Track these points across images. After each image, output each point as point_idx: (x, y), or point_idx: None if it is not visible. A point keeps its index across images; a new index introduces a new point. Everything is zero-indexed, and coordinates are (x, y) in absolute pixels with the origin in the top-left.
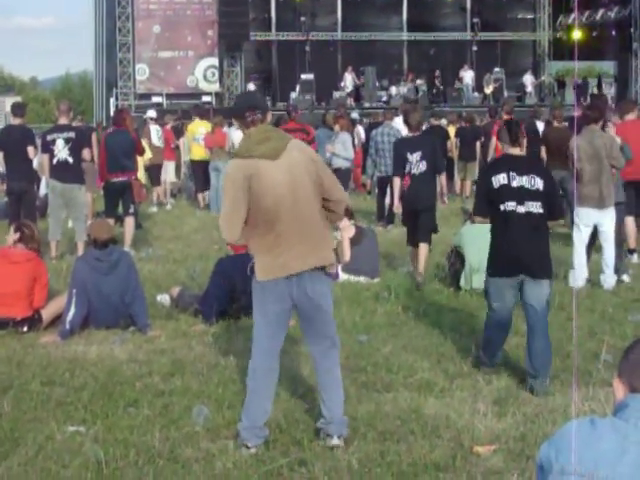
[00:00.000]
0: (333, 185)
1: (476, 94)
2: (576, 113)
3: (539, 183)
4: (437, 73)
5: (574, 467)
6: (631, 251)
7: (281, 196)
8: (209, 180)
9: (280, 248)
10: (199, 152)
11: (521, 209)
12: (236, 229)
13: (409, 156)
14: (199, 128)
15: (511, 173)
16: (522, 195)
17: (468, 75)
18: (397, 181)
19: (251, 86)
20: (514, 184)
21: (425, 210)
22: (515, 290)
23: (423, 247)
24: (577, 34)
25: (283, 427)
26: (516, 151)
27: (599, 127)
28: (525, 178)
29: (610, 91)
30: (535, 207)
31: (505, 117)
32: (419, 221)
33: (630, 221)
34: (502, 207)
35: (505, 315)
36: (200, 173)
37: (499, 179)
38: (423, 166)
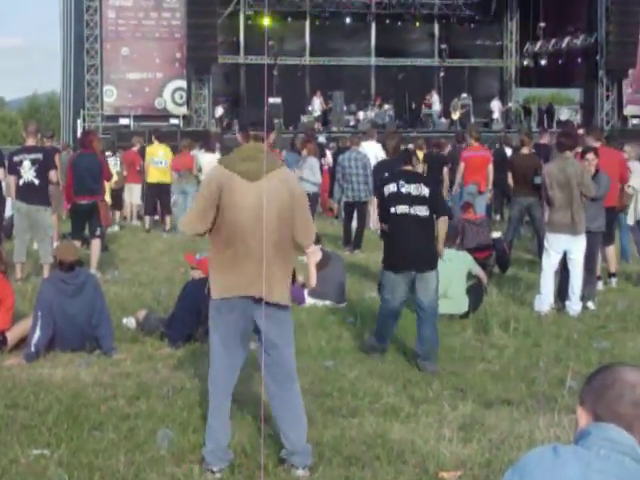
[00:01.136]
0: (302, 226)
1: (443, 119)
2: (543, 140)
3: (425, 191)
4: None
5: None
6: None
7: (245, 217)
8: (166, 202)
9: (237, 269)
10: (156, 175)
11: (410, 212)
12: (195, 223)
13: None
14: (158, 151)
15: (400, 182)
16: (410, 200)
17: (436, 100)
18: (375, 200)
19: (219, 109)
20: (403, 190)
21: None
22: (406, 286)
23: None
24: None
25: (248, 452)
26: (408, 168)
27: (573, 155)
28: (413, 186)
29: (576, 118)
30: (421, 210)
31: (473, 143)
32: None
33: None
34: (392, 210)
35: (396, 306)
36: (154, 196)
37: (389, 188)
38: None
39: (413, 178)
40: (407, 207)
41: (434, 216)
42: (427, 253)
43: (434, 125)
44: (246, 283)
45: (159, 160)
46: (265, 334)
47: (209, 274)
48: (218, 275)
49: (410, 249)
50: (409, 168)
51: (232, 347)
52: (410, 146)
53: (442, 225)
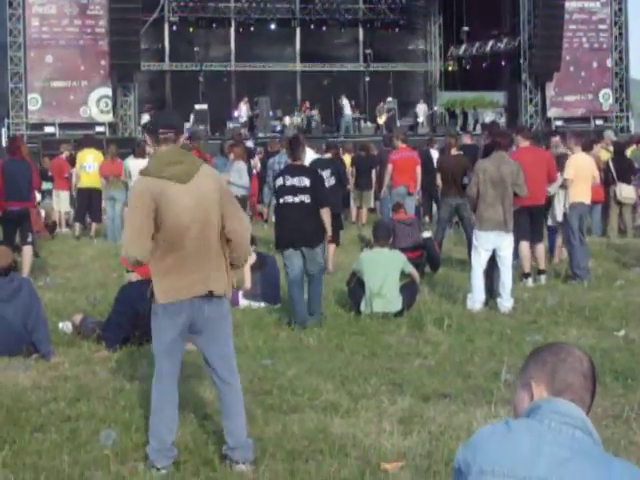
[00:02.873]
0: (232, 214)
1: (369, 124)
2: (465, 141)
3: (306, 182)
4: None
5: (493, 467)
6: (526, 275)
7: (186, 220)
8: (95, 209)
9: (182, 271)
10: (86, 180)
11: (294, 200)
12: (145, 245)
13: (320, 172)
14: (87, 156)
15: (286, 176)
16: (294, 191)
17: (346, 104)
18: None
19: (145, 116)
20: (287, 183)
21: (335, 215)
22: (300, 257)
23: (332, 247)
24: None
25: (192, 448)
26: (297, 163)
27: (507, 154)
28: (296, 179)
29: (500, 121)
30: (305, 198)
31: (400, 145)
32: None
33: (525, 246)
34: (281, 200)
35: (297, 274)
36: (85, 202)
37: (278, 181)
38: (333, 180)
39: (297, 172)
40: (291, 197)
41: (317, 202)
42: (312, 233)
43: (347, 130)
44: (195, 283)
45: (89, 165)
46: (211, 329)
47: (152, 279)
48: (164, 279)
49: (297, 231)
50: (297, 163)
51: (174, 350)
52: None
53: (324, 215)
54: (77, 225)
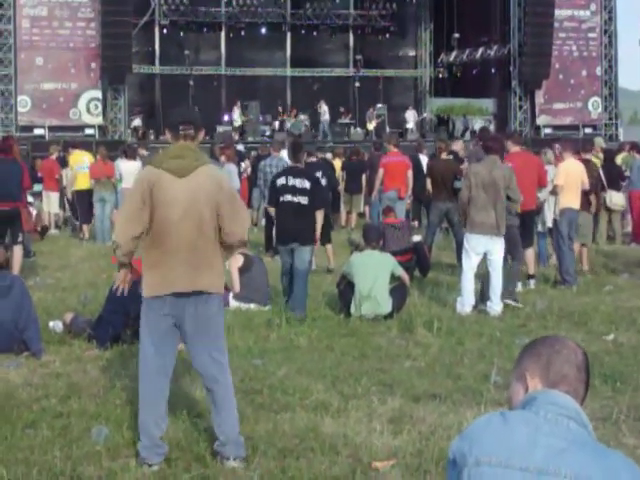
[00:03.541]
0: (230, 216)
1: (359, 129)
2: (455, 147)
3: (306, 184)
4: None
5: (490, 457)
6: None
7: (174, 214)
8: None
9: (166, 265)
10: (83, 182)
11: (293, 200)
12: (127, 232)
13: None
14: (82, 157)
15: (288, 177)
16: (294, 191)
17: (325, 111)
18: None
19: (137, 120)
20: (289, 183)
21: (325, 215)
22: (290, 253)
23: (329, 246)
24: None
25: (183, 445)
26: (298, 165)
27: (499, 159)
28: (298, 180)
29: (489, 128)
30: (303, 200)
31: (393, 149)
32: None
33: None
34: (281, 199)
35: (286, 266)
36: (84, 203)
37: (280, 180)
38: (324, 181)
39: (299, 174)
40: (291, 196)
41: (314, 205)
42: (304, 232)
43: (324, 135)
44: (176, 280)
45: (85, 166)
46: (200, 327)
47: (143, 272)
48: (148, 273)
49: (291, 228)
50: (298, 165)
51: (162, 345)
52: (328, 155)
53: (318, 215)
54: (85, 227)
